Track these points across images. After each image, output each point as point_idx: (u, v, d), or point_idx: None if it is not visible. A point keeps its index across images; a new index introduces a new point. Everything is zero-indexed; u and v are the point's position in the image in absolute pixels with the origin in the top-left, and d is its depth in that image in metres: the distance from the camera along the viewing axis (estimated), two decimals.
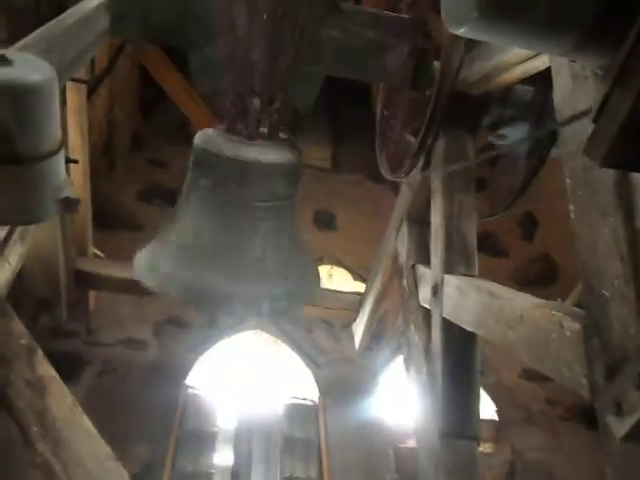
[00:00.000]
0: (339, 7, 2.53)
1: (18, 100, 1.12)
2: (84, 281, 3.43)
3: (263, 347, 4.43)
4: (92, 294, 3.85)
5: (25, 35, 2.23)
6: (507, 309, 1.82)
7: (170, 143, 5.81)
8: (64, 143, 1.36)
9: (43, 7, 2.29)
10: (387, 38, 2.59)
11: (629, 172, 1.30)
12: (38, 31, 1.71)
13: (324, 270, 5.28)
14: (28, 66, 1.17)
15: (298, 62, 2.37)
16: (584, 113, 1.39)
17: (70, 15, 1.96)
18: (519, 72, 2.26)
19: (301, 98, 2.52)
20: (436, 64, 2.55)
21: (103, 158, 5.15)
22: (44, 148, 1.22)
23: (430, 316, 2.49)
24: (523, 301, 1.79)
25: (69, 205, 1.37)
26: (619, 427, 1.14)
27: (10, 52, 1.18)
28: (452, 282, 2.30)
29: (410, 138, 2.74)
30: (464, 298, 2.17)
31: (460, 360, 2.34)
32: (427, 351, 2.48)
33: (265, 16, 2.41)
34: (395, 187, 3.55)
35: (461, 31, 0.91)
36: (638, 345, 1.20)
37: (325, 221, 5.77)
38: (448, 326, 2.29)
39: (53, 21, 1.83)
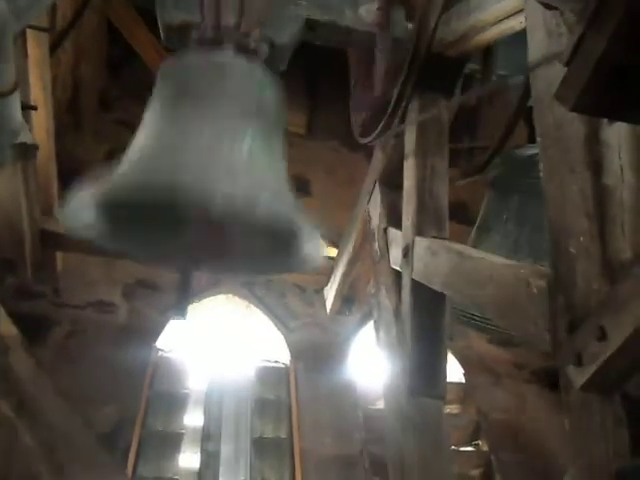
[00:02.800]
0: None
1: None
2: (50, 241, 3.34)
3: (235, 311, 4.43)
4: (59, 255, 3.76)
5: None
6: (477, 269, 1.83)
7: (139, 104, 5.58)
8: (24, 92, 1.29)
9: None
10: None
11: (599, 128, 1.30)
12: None
13: None
14: None
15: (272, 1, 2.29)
16: (556, 56, 1.38)
17: None
18: (495, 32, 2.23)
19: (279, 38, 2.42)
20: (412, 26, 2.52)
21: (69, 117, 4.96)
22: None
23: (400, 278, 2.50)
24: (493, 261, 1.81)
25: (26, 151, 1.31)
26: (579, 377, 1.17)
27: None
28: (423, 244, 2.30)
29: (384, 101, 2.70)
30: (434, 259, 2.18)
31: (429, 322, 2.37)
32: (397, 313, 2.50)
33: None
34: (370, 154, 3.52)
35: None
36: (601, 300, 1.22)
37: (299, 187, 5.71)
38: (418, 288, 2.31)
39: None
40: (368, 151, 3.42)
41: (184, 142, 1.62)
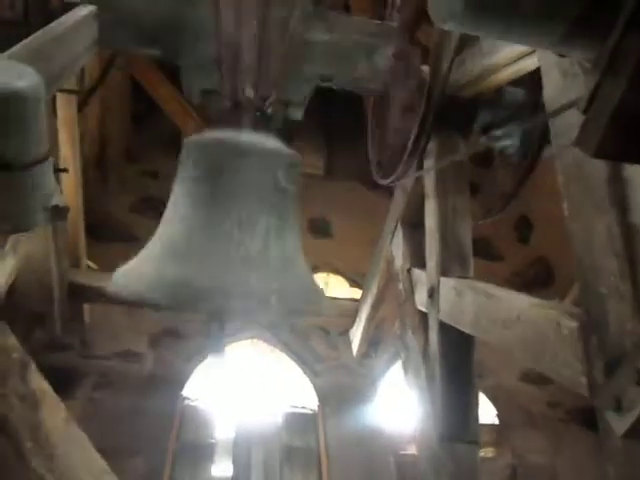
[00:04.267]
0: (325, 14, 2.55)
1: (3, 106, 1.11)
2: (78, 294, 3.40)
3: (260, 356, 4.40)
4: (87, 307, 3.82)
5: (10, 43, 2.23)
6: (503, 309, 1.81)
7: (162, 154, 5.80)
8: (53, 152, 1.35)
9: (32, 19, 2.28)
10: (372, 40, 2.62)
11: (621, 166, 1.29)
12: (26, 41, 1.70)
13: (320, 278, 5.26)
14: (13, 72, 1.16)
15: (288, 61, 2.38)
16: (574, 103, 1.40)
17: (58, 25, 1.95)
18: (509, 73, 2.27)
19: (295, 96, 2.50)
20: (426, 68, 2.57)
21: (96, 170, 5.13)
22: (32, 155, 1.21)
23: (427, 319, 2.47)
24: (520, 301, 1.78)
25: (58, 213, 1.35)
26: (619, 424, 1.13)
27: None
28: (448, 284, 2.28)
29: (402, 142, 2.74)
30: (460, 300, 2.16)
31: (458, 363, 2.33)
32: (425, 355, 2.47)
33: (254, 21, 2.43)
34: (389, 192, 3.55)
35: (448, 25, 0.90)
36: (635, 341, 1.19)
37: (320, 228, 5.75)
38: (445, 329, 2.28)
39: (41, 31, 1.83)
40: (387, 189, 3.44)
41: (204, 236, 1.77)
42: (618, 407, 1.13)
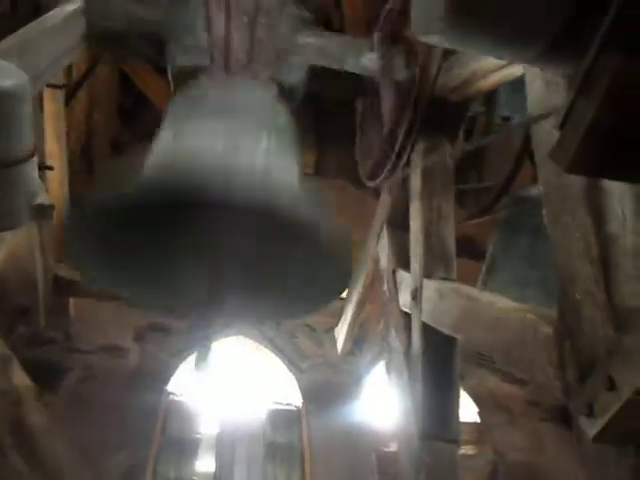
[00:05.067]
0: (312, 28, 2.60)
1: None
2: (63, 288, 3.39)
3: (245, 353, 4.42)
4: (72, 301, 3.80)
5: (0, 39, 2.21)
6: (485, 312, 1.84)
7: (149, 145, 5.76)
8: (40, 149, 1.35)
9: (20, 11, 2.27)
10: (359, 44, 2.66)
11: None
12: (12, 36, 1.69)
13: None
14: (2, 74, 1.16)
15: (277, 54, 2.40)
16: (550, 114, 1.42)
17: (46, 19, 1.95)
18: (496, 78, 2.29)
19: (286, 81, 2.52)
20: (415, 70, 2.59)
21: (82, 163, 5.09)
22: (16, 154, 1.21)
23: (410, 320, 2.50)
24: (500, 304, 1.81)
25: (43, 212, 1.36)
26: (591, 428, 1.16)
27: None
28: (431, 286, 2.31)
29: (389, 143, 2.76)
30: (443, 302, 2.19)
31: (440, 364, 2.36)
32: (407, 355, 2.50)
33: (244, 19, 2.46)
34: (378, 193, 3.58)
35: (430, 40, 0.92)
36: (608, 348, 1.22)
37: None
38: (428, 330, 2.31)
39: (28, 25, 1.82)
40: (375, 189, 3.47)
41: (202, 144, 1.71)
42: (590, 412, 1.16)
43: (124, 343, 4.03)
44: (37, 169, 1.33)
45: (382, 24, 2.73)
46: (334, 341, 4.05)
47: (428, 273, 2.40)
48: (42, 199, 1.36)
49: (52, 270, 3.25)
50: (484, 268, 2.92)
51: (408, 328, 2.52)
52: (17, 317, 3.31)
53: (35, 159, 1.29)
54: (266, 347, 4.38)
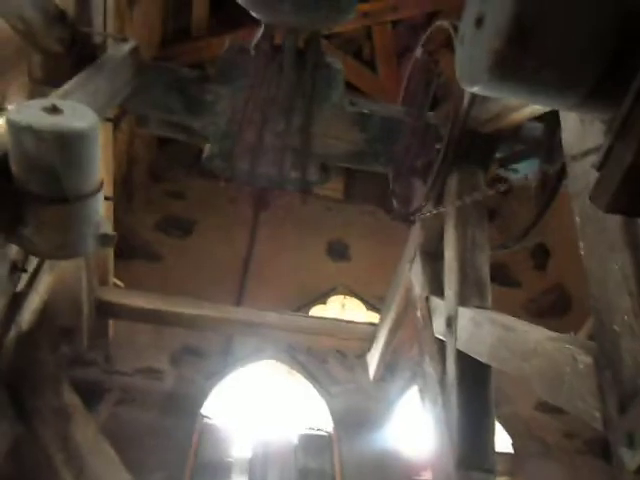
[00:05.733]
0: (344, 110, 2.72)
1: (67, 145, 1.22)
2: (105, 310, 3.51)
3: (278, 377, 4.46)
4: (111, 323, 3.93)
5: (57, 74, 2.38)
6: (521, 342, 1.86)
7: (186, 175, 5.97)
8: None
9: (75, 51, 2.44)
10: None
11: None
12: (77, 78, 1.83)
13: (337, 300, 5.33)
14: (75, 114, 1.28)
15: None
16: (591, 151, 1.47)
17: (102, 61, 2.10)
18: (529, 111, 2.34)
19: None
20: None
21: (122, 190, 5.29)
22: (87, 188, 1.32)
23: (444, 348, 2.53)
24: (537, 334, 1.83)
25: (106, 240, 1.46)
26: (631, 460, 1.18)
27: (60, 102, 1.28)
28: (466, 314, 2.34)
29: (423, 175, 2.83)
30: (478, 330, 2.22)
31: (475, 392, 2.37)
32: (442, 383, 2.51)
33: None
34: (406, 217, 3.63)
35: (474, 89, 0.99)
36: None
37: (338, 251, 5.84)
38: (462, 358, 2.33)
39: (89, 68, 1.97)
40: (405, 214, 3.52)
41: None
42: (630, 443, 1.18)
43: (160, 366, 4.12)
44: (103, 200, 1.44)
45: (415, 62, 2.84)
46: (365, 367, 4.06)
47: (462, 301, 2.43)
48: (106, 228, 1.47)
49: (95, 293, 3.38)
50: None
51: (442, 355, 2.55)
52: (61, 338, 3.44)
53: (102, 192, 1.40)
54: (298, 372, 4.42)
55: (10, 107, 2.56)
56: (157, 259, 4.85)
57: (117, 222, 4.30)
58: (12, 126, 1.20)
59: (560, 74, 0.89)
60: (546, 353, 1.69)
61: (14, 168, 1.26)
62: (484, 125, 2.62)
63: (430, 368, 2.64)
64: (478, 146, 2.68)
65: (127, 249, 4.67)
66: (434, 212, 2.63)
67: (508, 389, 4.16)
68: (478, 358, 2.18)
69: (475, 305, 2.41)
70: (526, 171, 2.99)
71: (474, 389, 2.36)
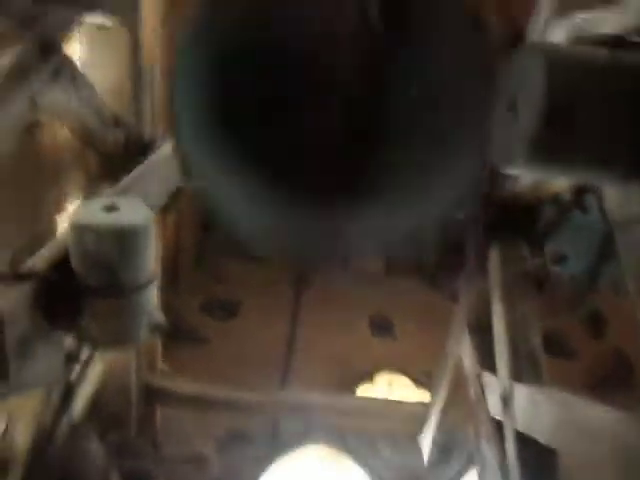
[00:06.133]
0: None
1: (124, 241, 1.30)
2: (152, 396, 3.52)
3: (326, 462, 4.29)
4: (158, 409, 3.92)
5: (113, 173, 2.56)
6: (586, 422, 1.76)
7: (229, 259, 6.13)
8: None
9: (129, 151, 2.63)
10: None
11: None
12: (131, 175, 1.97)
13: (384, 379, 5.19)
14: (131, 211, 1.36)
15: None
16: (636, 216, 1.45)
17: (153, 159, 2.25)
18: (567, 182, 2.35)
19: None
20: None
21: (168, 275, 5.45)
22: (142, 279, 1.38)
23: (502, 428, 2.40)
24: (603, 413, 1.73)
25: (158, 329, 1.51)
26: None
27: (116, 200, 1.38)
28: (522, 392, 2.24)
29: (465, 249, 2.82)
30: (537, 409, 2.11)
31: (539, 476, 2.22)
32: (502, 467, 2.36)
33: None
34: (451, 293, 3.59)
35: (511, 171, 1.02)
36: None
37: (382, 327, 5.76)
38: (523, 440, 2.20)
39: (141, 166, 2.11)
40: (448, 286, 3.48)
41: None
42: None
43: (206, 452, 4.04)
44: (156, 290, 1.50)
45: None
46: (418, 449, 3.87)
47: (517, 377, 2.33)
48: (157, 317, 1.51)
49: (144, 379, 3.41)
50: None
51: (500, 436, 2.41)
52: (110, 426, 3.44)
53: (156, 282, 1.45)
54: (347, 456, 4.24)
55: (70, 206, 2.75)
56: (202, 342, 4.89)
57: (163, 306, 4.41)
58: (74, 226, 1.29)
59: (596, 153, 0.91)
60: (617, 435, 1.58)
61: (74, 263, 1.33)
62: (522, 197, 2.62)
63: (488, 451, 2.50)
64: (518, 217, 2.67)
65: (173, 333, 4.75)
66: (478, 286, 2.59)
67: (577, 475, 3.85)
68: (540, 440, 2.06)
69: (530, 380, 2.31)
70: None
71: (539, 473, 2.21)
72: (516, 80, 1.03)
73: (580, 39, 1.63)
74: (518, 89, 0.99)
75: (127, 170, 2.11)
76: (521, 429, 2.21)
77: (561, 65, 0.94)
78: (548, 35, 2.03)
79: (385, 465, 4.14)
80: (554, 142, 0.89)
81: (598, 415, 1.71)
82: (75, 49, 2.10)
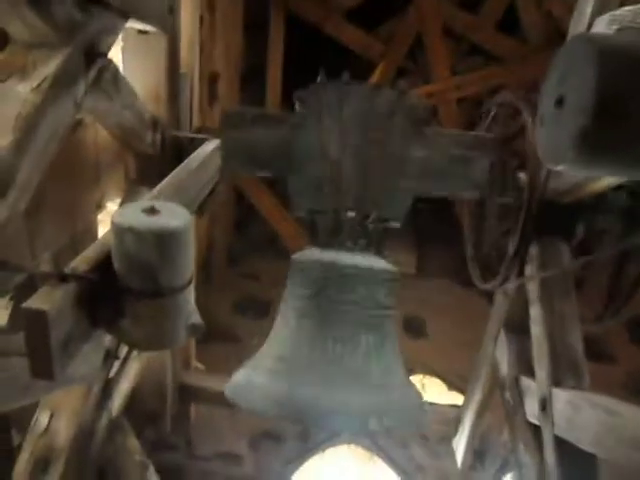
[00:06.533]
0: (423, 132, 2.73)
1: (164, 243, 1.31)
2: (187, 394, 3.58)
3: (358, 462, 4.28)
4: (192, 407, 3.97)
5: (150, 174, 2.60)
6: (629, 428, 1.70)
7: (261, 257, 6.17)
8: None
9: (166, 153, 2.67)
10: (469, 153, 2.74)
11: None
12: (169, 177, 1.99)
13: (416, 380, 5.14)
14: (171, 213, 1.38)
15: (388, 180, 2.57)
16: None
17: (192, 161, 2.27)
18: (611, 180, 2.27)
19: (394, 212, 2.64)
20: (523, 176, 2.64)
21: (201, 273, 5.53)
22: (181, 281, 1.39)
23: (540, 433, 2.35)
24: None
25: (196, 330, 1.52)
26: None
27: (157, 203, 1.39)
28: (562, 397, 2.18)
29: (502, 246, 2.76)
30: (577, 415, 2.05)
31: None
32: (541, 473, 2.31)
33: (355, 142, 2.67)
34: (485, 291, 3.51)
35: (559, 168, 0.99)
36: None
37: (414, 328, 5.71)
38: (562, 445, 2.15)
39: (178, 168, 2.14)
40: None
41: (308, 353, 1.94)
42: None
43: (239, 450, 4.08)
44: (193, 291, 1.52)
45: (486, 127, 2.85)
46: (451, 453, 3.81)
47: (556, 381, 2.27)
48: (195, 318, 1.53)
49: (179, 377, 3.46)
50: None
51: (539, 442, 2.36)
52: (146, 422, 3.51)
53: (193, 283, 1.47)
54: (379, 457, 4.22)
55: (110, 204, 2.81)
56: (235, 340, 4.94)
57: (197, 305, 4.48)
58: (115, 228, 1.31)
59: None
60: None
61: (116, 266, 1.36)
62: (563, 196, 2.55)
63: (526, 457, 2.45)
64: (558, 217, 2.60)
65: (206, 331, 4.80)
66: (517, 284, 2.54)
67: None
68: (581, 446, 2.00)
69: (570, 386, 2.25)
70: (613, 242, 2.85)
71: (578, 479, 2.15)
72: (563, 74, 1.00)
73: (625, 31, 1.58)
74: (565, 83, 0.96)
75: (164, 172, 2.14)
76: (561, 435, 2.15)
77: (611, 55, 0.91)
78: (591, 30, 1.97)
79: (417, 467, 4.11)
80: (605, 136, 0.86)
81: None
82: (117, 53, 2.14)
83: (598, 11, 2.00)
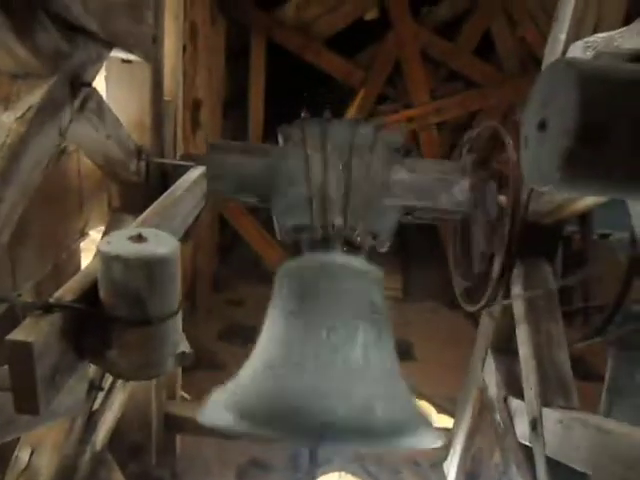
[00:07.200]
0: (402, 161, 2.80)
1: (152, 271, 1.30)
2: (172, 424, 3.49)
3: None
4: (178, 437, 3.88)
5: (135, 202, 2.59)
6: (622, 447, 1.71)
7: (246, 283, 6.13)
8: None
9: (150, 180, 2.66)
10: (449, 177, 2.80)
11: None
12: (154, 205, 1.98)
13: None
14: (158, 241, 1.37)
15: (372, 197, 2.60)
16: None
17: (177, 188, 2.26)
18: (591, 201, 2.32)
19: (380, 227, 2.67)
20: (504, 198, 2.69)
21: (186, 301, 5.47)
22: (169, 308, 1.37)
23: (531, 454, 2.34)
24: (638, 438, 1.68)
25: (184, 358, 1.50)
26: None
27: (144, 230, 1.38)
28: (552, 416, 2.18)
29: (487, 269, 2.79)
30: (568, 434, 2.05)
31: None
32: None
33: (340, 166, 2.70)
34: (472, 314, 3.53)
35: (545, 190, 1.01)
36: None
37: (402, 351, 5.67)
38: (554, 466, 2.14)
39: (163, 196, 2.13)
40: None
41: (300, 355, 1.84)
42: None
43: None
44: (181, 320, 1.50)
45: (468, 151, 2.91)
46: (443, 477, 3.77)
47: (546, 401, 2.28)
48: (184, 346, 1.51)
49: (164, 407, 3.38)
50: (604, 393, 2.72)
51: (530, 463, 2.35)
52: (130, 455, 3.41)
53: (181, 311, 1.45)
54: None
55: (92, 233, 2.78)
56: (220, 368, 4.86)
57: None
58: (102, 256, 1.29)
59: (632, 169, 0.90)
60: None
61: (102, 294, 1.34)
62: (544, 217, 2.60)
63: (518, 478, 2.43)
64: (540, 238, 2.64)
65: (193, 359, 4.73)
66: (502, 305, 2.56)
67: None
68: (573, 466, 2.00)
69: (560, 405, 2.25)
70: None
71: None
72: (545, 98, 1.03)
73: (602, 56, 1.63)
74: (548, 107, 0.99)
75: (148, 199, 2.13)
76: (553, 455, 2.15)
77: (592, 79, 0.94)
78: (566, 55, 2.04)
79: None
80: (588, 158, 0.89)
81: (633, 440, 1.66)
82: (100, 81, 2.14)
83: (572, 38, 2.07)
